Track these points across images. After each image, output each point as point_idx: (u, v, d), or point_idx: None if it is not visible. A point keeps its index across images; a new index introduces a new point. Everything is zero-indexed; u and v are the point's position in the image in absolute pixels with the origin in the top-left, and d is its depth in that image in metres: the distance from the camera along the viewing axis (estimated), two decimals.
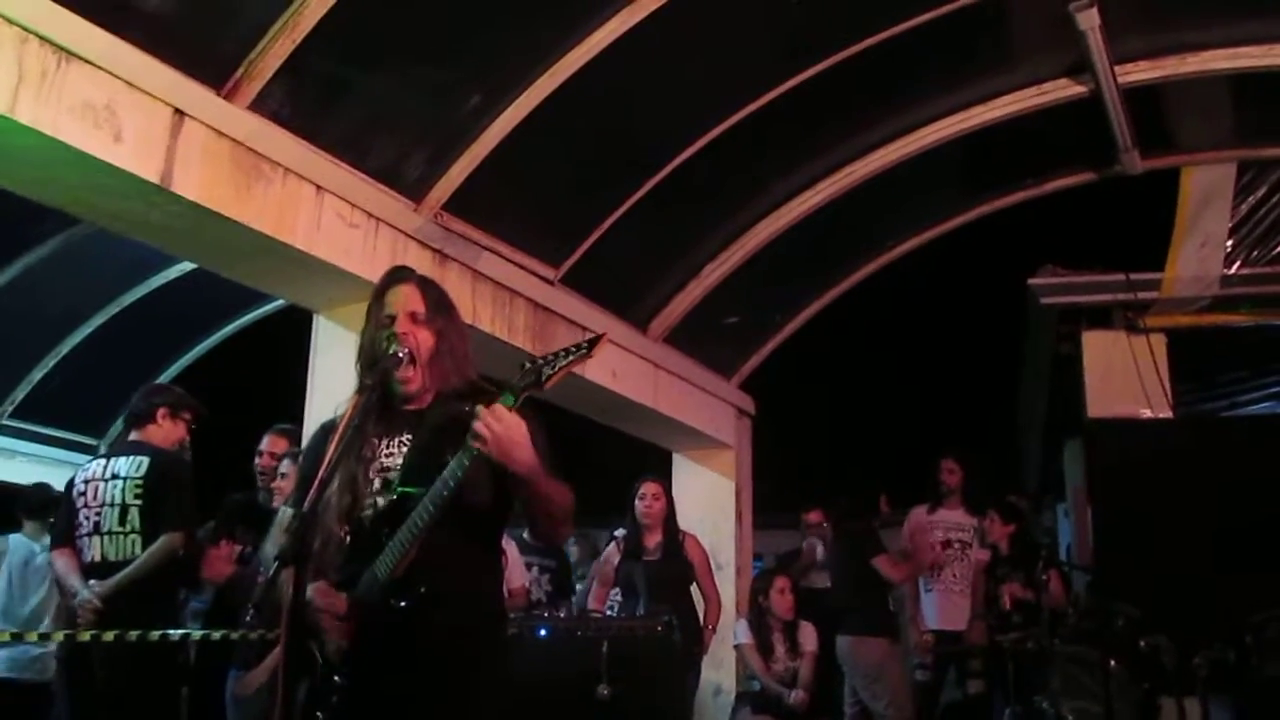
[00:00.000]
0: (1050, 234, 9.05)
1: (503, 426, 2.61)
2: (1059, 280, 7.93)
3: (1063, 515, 11.29)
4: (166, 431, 5.44)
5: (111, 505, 5.14)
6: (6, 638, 5.34)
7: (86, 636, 4.73)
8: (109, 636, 4.67)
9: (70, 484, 5.34)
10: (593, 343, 2.74)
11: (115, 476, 5.21)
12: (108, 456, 5.35)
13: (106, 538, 5.11)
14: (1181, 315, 7.74)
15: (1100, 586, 7.06)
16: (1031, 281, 7.98)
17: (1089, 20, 6.01)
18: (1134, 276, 7.72)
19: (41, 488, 7.20)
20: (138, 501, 5.14)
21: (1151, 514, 6.95)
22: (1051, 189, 8.03)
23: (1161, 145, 7.51)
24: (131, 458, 5.26)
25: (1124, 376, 7.68)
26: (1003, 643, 6.26)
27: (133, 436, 5.42)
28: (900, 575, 7.24)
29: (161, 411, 5.45)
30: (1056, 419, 9.74)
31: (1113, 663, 5.57)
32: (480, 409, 2.64)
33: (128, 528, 5.12)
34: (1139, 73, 6.69)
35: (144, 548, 5.09)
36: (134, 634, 4.72)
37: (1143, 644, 5.72)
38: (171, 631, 4.83)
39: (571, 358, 2.69)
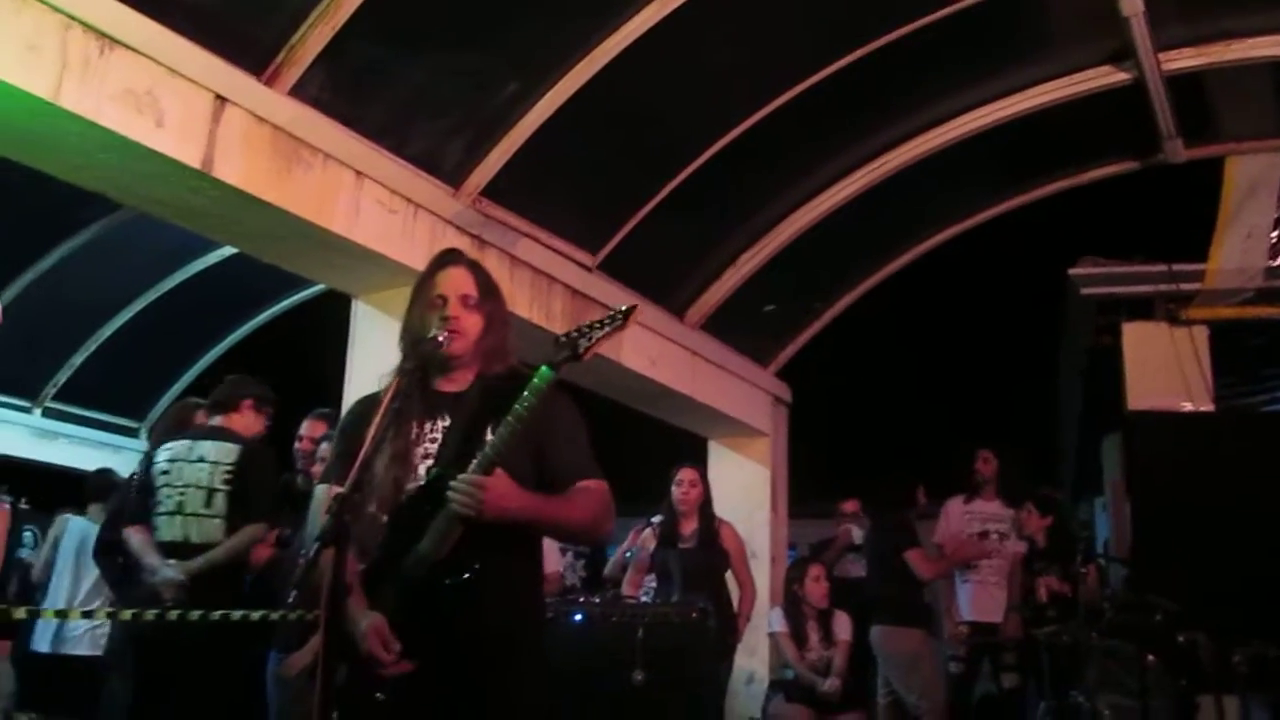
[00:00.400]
0: (1090, 224, 8.97)
1: (481, 492, 2.64)
2: (1099, 271, 7.85)
3: (1100, 509, 11.20)
4: (249, 422, 5.48)
5: (197, 488, 5.16)
6: (50, 615, 5.36)
7: (127, 615, 4.75)
8: (149, 616, 4.69)
9: (148, 462, 5.34)
10: (626, 313, 2.73)
11: (202, 460, 5.22)
12: (191, 438, 5.34)
13: (190, 519, 5.13)
14: (1224, 307, 7.63)
15: (1138, 580, 7.00)
16: (1071, 272, 7.91)
17: (1132, 7, 5.95)
18: (1176, 267, 7.62)
19: (105, 473, 7.30)
20: (226, 487, 5.17)
21: (1191, 508, 6.87)
22: (1092, 178, 7.95)
23: (1205, 134, 7.42)
24: (219, 443, 5.28)
25: (1164, 369, 7.59)
26: (1038, 636, 6.22)
27: (216, 422, 5.44)
28: (930, 572, 7.21)
29: (248, 402, 5.49)
30: (1095, 411, 9.66)
31: (1150, 658, 5.53)
32: (452, 484, 2.66)
33: (212, 511, 5.15)
34: (1182, 60, 6.61)
35: (226, 533, 5.12)
36: (176, 614, 4.74)
37: (1181, 639, 5.67)
38: (214, 612, 4.82)
39: (607, 328, 2.70)
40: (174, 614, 4.73)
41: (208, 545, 5.10)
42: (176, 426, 5.91)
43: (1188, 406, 7.50)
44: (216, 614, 4.77)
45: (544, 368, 2.69)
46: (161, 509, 5.16)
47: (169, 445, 5.34)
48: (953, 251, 8.61)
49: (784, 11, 5.94)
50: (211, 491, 5.16)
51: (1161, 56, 6.43)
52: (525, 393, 2.67)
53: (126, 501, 5.61)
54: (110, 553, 5.82)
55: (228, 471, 5.19)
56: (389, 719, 2.74)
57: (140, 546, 5.13)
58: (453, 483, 2.67)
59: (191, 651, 4.88)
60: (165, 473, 5.21)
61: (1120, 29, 6.16)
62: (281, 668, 5.19)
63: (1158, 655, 5.58)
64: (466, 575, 2.72)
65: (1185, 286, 7.61)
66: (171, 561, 5.01)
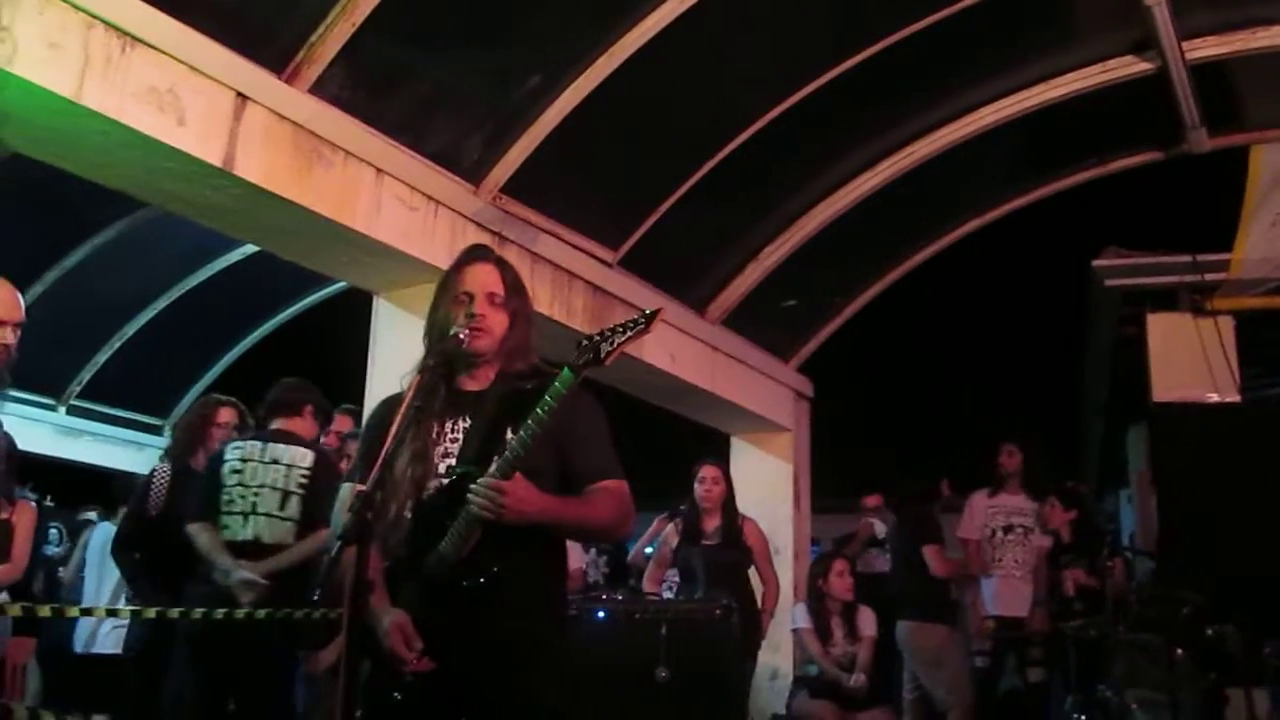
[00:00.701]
0: (1114, 214, 8.91)
1: (501, 496, 2.65)
2: (1123, 262, 7.80)
3: (1125, 501, 11.15)
4: (308, 428, 5.48)
5: (273, 489, 5.13)
6: (74, 613, 5.37)
7: (151, 613, 4.75)
8: (174, 613, 4.70)
9: (219, 459, 5.29)
10: (650, 317, 2.72)
11: (276, 462, 5.19)
12: (261, 440, 5.30)
13: (264, 519, 5.10)
14: (1249, 297, 7.56)
15: (1165, 573, 6.96)
16: (1095, 263, 7.85)
17: None
18: (1200, 258, 7.57)
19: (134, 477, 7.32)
20: (301, 491, 5.15)
21: (1218, 500, 6.82)
22: (1116, 168, 7.89)
23: (1230, 123, 7.35)
24: (292, 447, 5.26)
25: (1190, 360, 7.53)
26: (1065, 630, 6.19)
27: (278, 425, 5.40)
28: (944, 570, 7.21)
29: (309, 408, 5.48)
30: (1120, 403, 9.61)
31: (1178, 651, 5.49)
32: (472, 488, 2.67)
33: (286, 514, 5.12)
34: (1207, 48, 6.55)
35: (297, 537, 5.11)
36: (206, 612, 4.75)
37: (1209, 632, 5.62)
38: (240, 609, 4.82)
39: (630, 333, 2.69)
40: (221, 613, 4.74)
41: (278, 548, 5.07)
42: (200, 424, 5.92)
43: (1213, 398, 7.44)
44: (255, 613, 4.76)
45: (565, 371, 2.68)
46: (234, 508, 5.12)
47: (238, 444, 5.30)
48: (976, 243, 8.57)
49: (806, 4, 5.91)
50: (286, 494, 5.14)
51: (1185, 45, 6.37)
52: (546, 396, 2.67)
53: (181, 497, 5.57)
54: (129, 548, 5.83)
55: (304, 476, 5.18)
56: (411, 718, 2.75)
57: (209, 544, 5.07)
58: (473, 485, 2.67)
59: (256, 650, 4.89)
60: (238, 471, 5.17)
61: (1143, 18, 6.11)
62: (308, 665, 5.21)
63: (1186, 649, 5.53)
64: (485, 577, 2.72)
65: (1210, 277, 7.55)
66: (243, 563, 4.97)
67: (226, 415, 5.88)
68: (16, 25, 3.52)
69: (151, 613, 4.70)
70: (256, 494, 5.13)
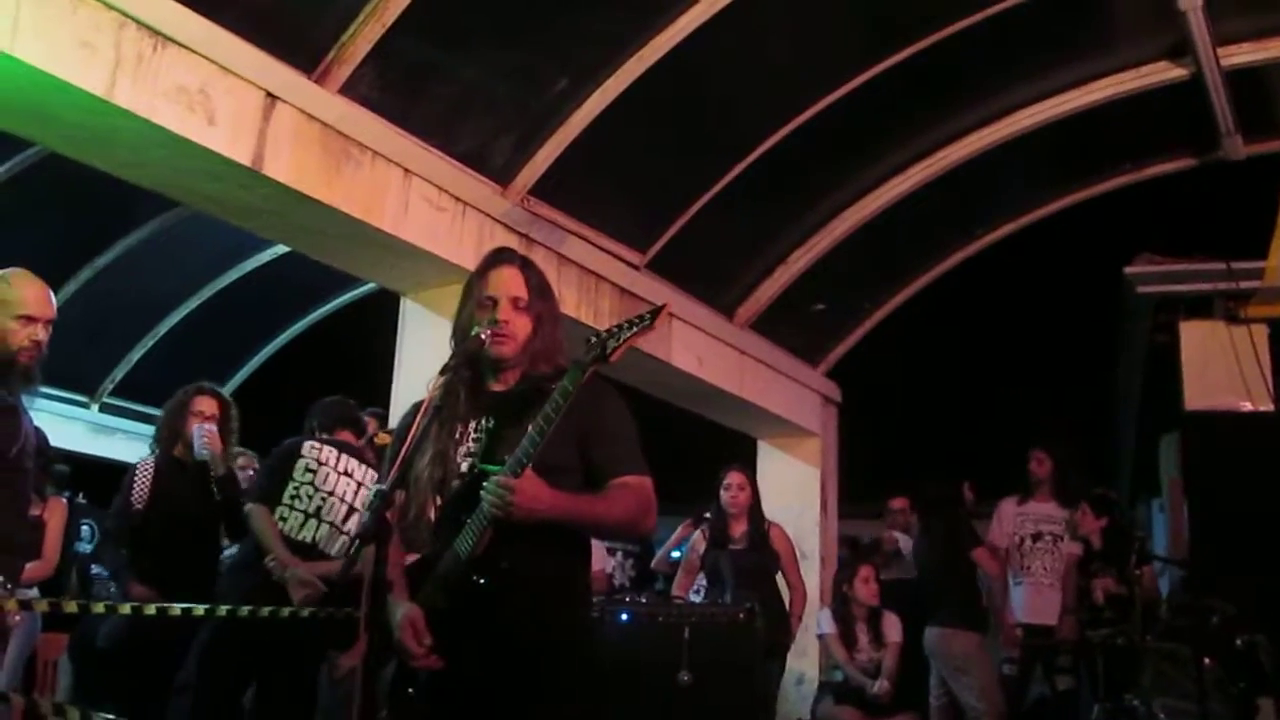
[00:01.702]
0: (1147, 221, 8.83)
1: (510, 494, 2.63)
2: (1156, 268, 7.71)
3: (1157, 509, 11.04)
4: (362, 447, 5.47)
5: (341, 500, 5.13)
6: (100, 608, 5.36)
7: (153, 610, 4.70)
8: (176, 611, 4.66)
9: (294, 450, 5.22)
10: (654, 313, 2.74)
11: (349, 475, 5.20)
12: (337, 449, 5.28)
13: (325, 526, 5.08)
14: None
15: (1195, 582, 6.88)
16: (1127, 270, 7.77)
17: (1190, 1, 5.85)
18: (1235, 265, 7.46)
19: None
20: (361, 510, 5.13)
21: (1250, 509, 6.75)
22: (1150, 174, 7.84)
23: (1265, 129, 7.28)
24: (365, 466, 5.27)
25: (1223, 368, 7.44)
26: (1093, 638, 6.13)
27: (346, 438, 5.40)
28: (998, 569, 7.16)
29: (372, 425, 5.53)
30: (1152, 411, 9.51)
31: (1207, 660, 5.43)
32: (484, 485, 2.67)
33: (347, 528, 5.10)
34: (1242, 55, 6.50)
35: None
36: (218, 610, 4.75)
37: (1239, 642, 5.56)
38: (264, 609, 4.79)
39: (635, 329, 2.70)
40: (245, 611, 4.69)
41: (330, 559, 5.04)
42: (178, 412, 5.66)
43: (1247, 406, 7.35)
44: (238, 609, 4.74)
45: (572, 368, 2.69)
46: (299, 505, 5.07)
47: (315, 445, 5.26)
48: (1008, 249, 8.52)
49: (839, 6, 5.91)
50: (351, 509, 5.13)
51: (1220, 51, 6.32)
52: (555, 394, 2.67)
53: (165, 489, 5.48)
54: (116, 544, 5.81)
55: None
56: (433, 717, 2.75)
57: (266, 530, 5.00)
58: (485, 483, 2.67)
59: (285, 647, 4.89)
60: (310, 470, 5.14)
61: (1178, 24, 6.07)
62: (331, 668, 5.21)
63: (1215, 658, 5.48)
64: (494, 575, 2.72)
65: (1244, 284, 7.44)
66: (301, 565, 4.92)
67: (203, 404, 5.64)
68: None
69: (178, 609, 4.68)
70: (324, 499, 5.11)
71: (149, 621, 4.78)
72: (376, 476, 5.18)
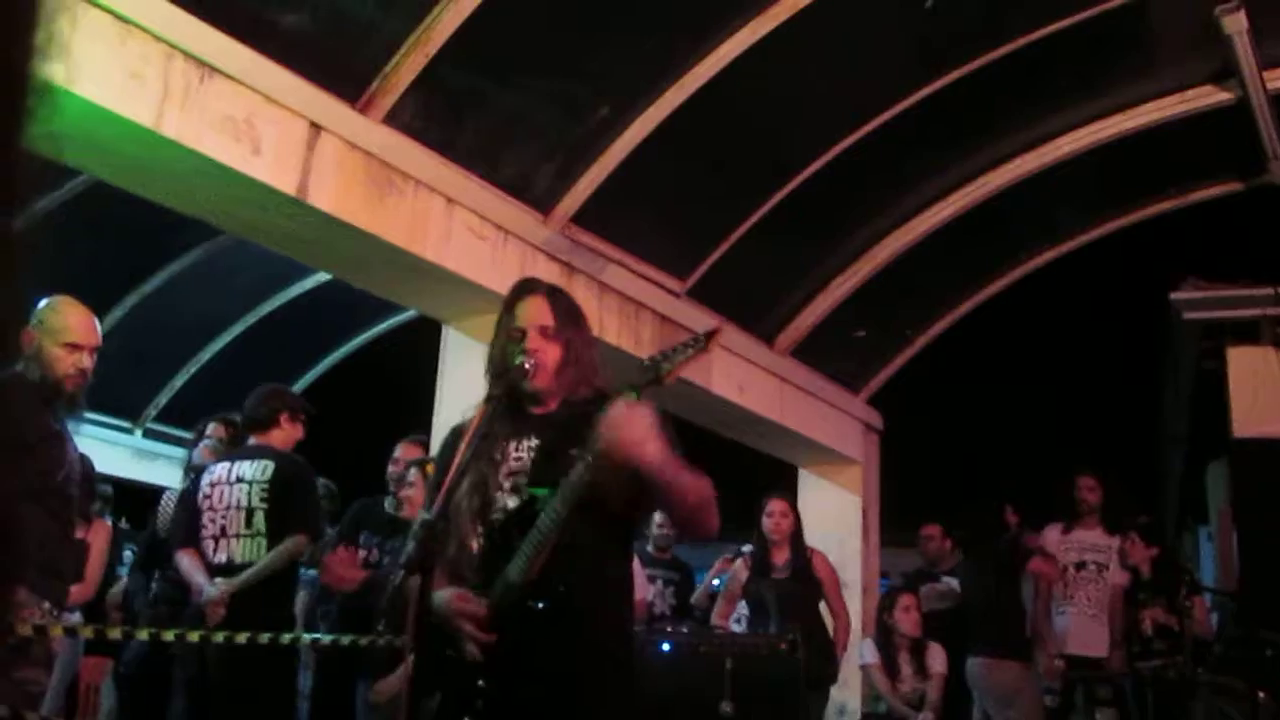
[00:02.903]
0: (1194, 245, 8.76)
1: (628, 418, 2.60)
2: (1203, 294, 7.64)
3: (1206, 539, 10.90)
4: (287, 434, 5.46)
5: (238, 509, 5.16)
6: (143, 635, 5.41)
7: (195, 637, 4.78)
8: (219, 637, 4.71)
9: (194, 486, 5.38)
10: (708, 336, 2.71)
11: (240, 480, 5.23)
12: (231, 460, 5.36)
13: (234, 540, 5.13)
14: None
15: (1247, 614, 6.77)
16: (1174, 295, 7.70)
17: (1236, 24, 5.80)
18: None
19: None
20: (263, 505, 5.16)
21: None
22: (1196, 199, 7.77)
23: None
24: (255, 461, 5.28)
25: (1272, 394, 7.35)
26: (1142, 670, 6.03)
27: (253, 440, 5.43)
28: (1053, 570, 7.10)
29: (284, 416, 5.47)
30: (1200, 438, 9.40)
31: (1261, 695, 5.34)
32: (606, 406, 2.64)
33: (253, 530, 5.14)
34: None
35: (268, 549, 5.12)
36: (241, 636, 4.77)
37: None
38: (285, 634, 4.83)
39: (690, 351, 2.67)
40: (219, 636, 4.75)
41: (252, 564, 5.10)
42: (194, 441, 6.02)
43: None
44: (307, 637, 4.78)
45: (628, 391, 2.67)
46: (207, 532, 5.18)
47: (212, 468, 5.37)
48: (1053, 273, 8.46)
49: (879, 33, 5.89)
50: (251, 511, 5.16)
51: (1267, 75, 6.27)
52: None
53: (174, 525, 5.69)
54: (146, 569, 5.95)
55: (263, 489, 5.18)
56: None
57: (189, 568, 5.15)
58: (609, 406, 2.64)
59: (233, 671, 4.89)
60: (207, 497, 5.23)
61: (1223, 47, 6.01)
62: (372, 693, 5.21)
63: (1270, 692, 5.38)
64: (551, 598, 2.70)
65: None
66: (217, 580, 5.02)
67: (211, 430, 5.98)
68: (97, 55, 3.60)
69: (219, 636, 4.71)
70: (224, 517, 5.16)
71: (166, 647, 4.96)
72: (272, 466, 5.24)
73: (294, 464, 5.40)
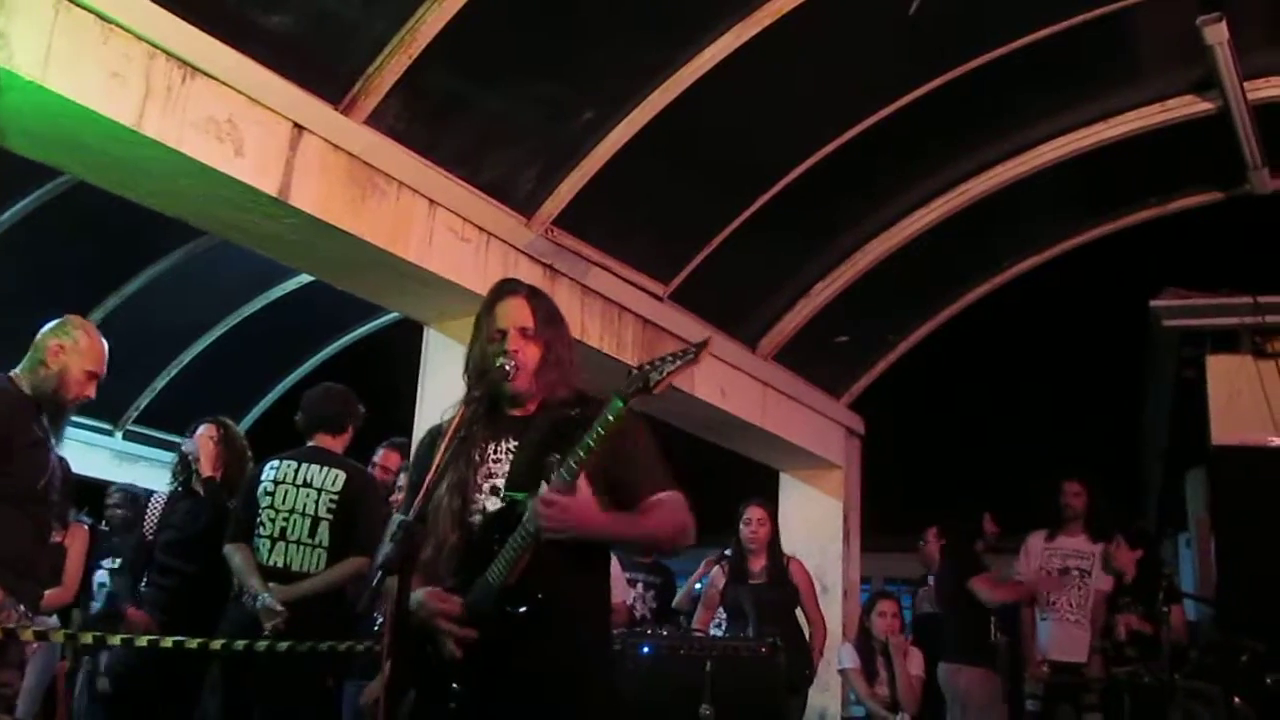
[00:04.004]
0: (1174, 254, 8.80)
1: (558, 509, 2.63)
2: (1183, 302, 7.68)
3: (1184, 546, 10.95)
4: (345, 443, 5.38)
5: (303, 515, 5.04)
6: (117, 641, 5.37)
7: (194, 644, 4.71)
8: (217, 645, 4.66)
9: (253, 480, 5.22)
10: (699, 347, 2.71)
11: (308, 485, 5.10)
12: (297, 460, 5.20)
13: (293, 546, 5.01)
14: None
15: (1224, 620, 6.81)
16: (1154, 303, 7.74)
17: (1217, 35, 5.84)
18: (1262, 299, 7.42)
19: None
20: (329, 516, 5.05)
21: (1279, 545, 6.68)
22: (1176, 208, 7.81)
23: None
24: (326, 469, 5.15)
25: (1250, 402, 7.39)
26: (1119, 675, 6.06)
27: (319, 443, 5.29)
28: (999, 595, 7.09)
29: (352, 426, 5.38)
30: (1179, 446, 9.45)
31: (1236, 700, 5.37)
32: (530, 502, 2.66)
33: (316, 540, 5.02)
34: (1270, 88, 6.49)
35: (328, 563, 5.01)
36: (243, 644, 4.74)
37: (1269, 680, 5.50)
38: (295, 642, 4.70)
39: (679, 362, 2.68)
40: (241, 644, 4.65)
41: (307, 574, 4.99)
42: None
43: (1275, 441, 7.29)
44: (283, 645, 4.69)
45: (616, 400, 2.67)
46: (263, 531, 5.03)
47: (274, 464, 5.20)
48: (1033, 281, 8.49)
49: (863, 38, 5.90)
50: (316, 520, 5.04)
51: (1247, 85, 6.30)
52: (596, 425, 2.65)
53: (184, 515, 5.64)
54: (135, 573, 5.92)
55: (332, 500, 5.07)
56: None
57: (243, 567, 4.99)
58: (535, 498, 2.66)
59: (280, 677, 4.80)
60: (269, 494, 5.08)
61: (1205, 57, 6.05)
62: (362, 695, 5.18)
63: (1245, 697, 5.41)
64: (530, 604, 2.70)
65: (1271, 318, 7.41)
66: (272, 586, 4.89)
67: (202, 431, 5.89)
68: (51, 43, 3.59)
69: (194, 643, 4.67)
70: (286, 519, 5.05)
71: (149, 653, 4.83)
72: (344, 478, 5.16)
73: (365, 479, 5.32)
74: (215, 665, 5.07)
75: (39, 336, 4.24)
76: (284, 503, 5.07)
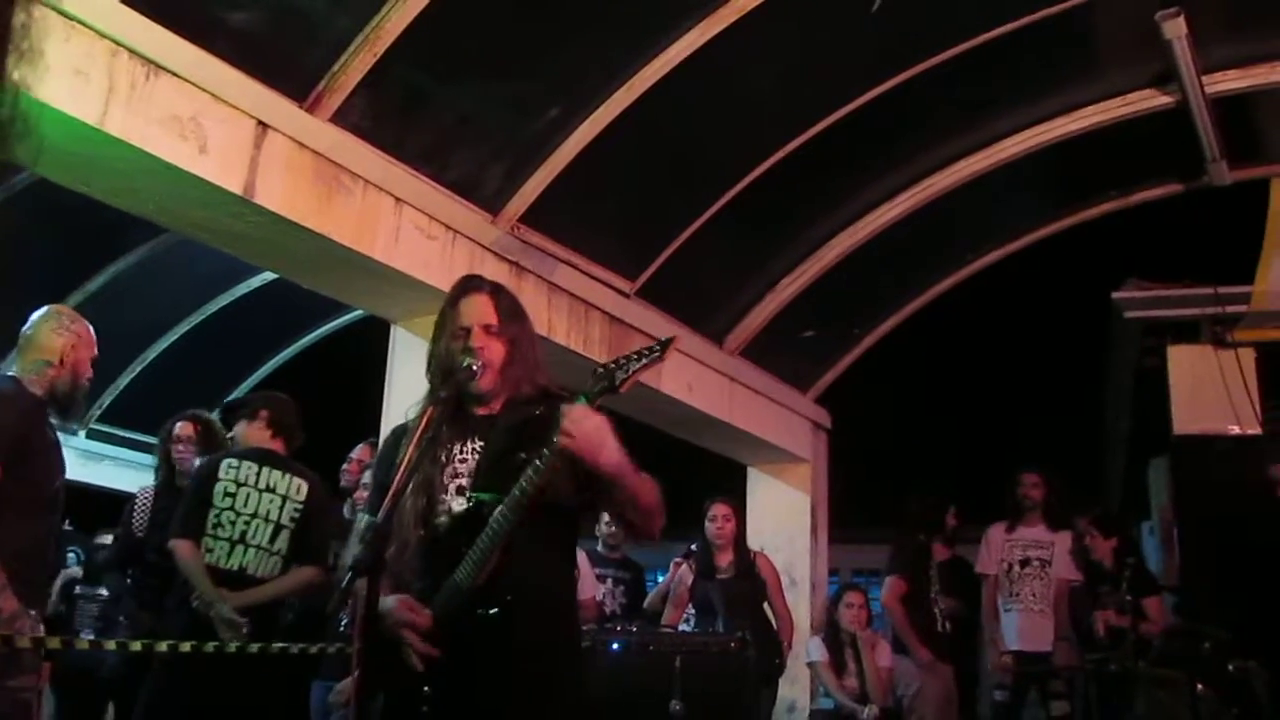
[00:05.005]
0: (1135, 246, 8.89)
1: (589, 425, 2.62)
2: (1144, 294, 7.76)
3: (1147, 533, 11.06)
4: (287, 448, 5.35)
5: (265, 520, 5.01)
6: (83, 644, 5.34)
7: (163, 647, 4.68)
8: (186, 647, 4.60)
9: (209, 477, 5.09)
10: (665, 345, 2.72)
11: (271, 490, 5.07)
12: (257, 463, 5.13)
13: (252, 550, 4.96)
14: (1271, 329, 7.51)
15: (1187, 608, 6.88)
16: (1116, 295, 7.81)
17: (1176, 29, 5.89)
18: (1222, 290, 7.51)
19: None
20: (290, 524, 5.04)
21: (1240, 533, 6.77)
22: (1137, 201, 7.87)
23: (1250, 156, 7.33)
24: (289, 477, 5.14)
25: (1211, 392, 7.48)
26: (1085, 664, 6.12)
27: (276, 448, 5.26)
28: (887, 603, 7.29)
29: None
30: (1141, 436, 9.54)
31: (1200, 686, 5.44)
32: (564, 408, 2.65)
33: (275, 548, 5.01)
34: (1227, 82, 6.55)
35: (283, 571, 5.01)
36: (213, 646, 4.71)
37: (1232, 668, 5.56)
38: (258, 644, 4.68)
39: (645, 360, 2.69)
40: (211, 646, 4.61)
41: (263, 579, 4.97)
42: (165, 441, 5.92)
43: (1235, 430, 7.39)
44: (255, 647, 4.65)
45: (581, 399, 2.67)
46: (222, 533, 4.96)
47: (233, 463, 5.12)
48: (997, 273, 8.56)
49: (826, 36, 5.92)
50: (279, 528, 5.03)
51: (1206, 79, 6.36)
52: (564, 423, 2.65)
53: (171, 512, 5.58)
54: (120, 569, 5.88)
55: (297, 509, 5.07)
56: None
57: (193, 566, 4.88)
58: (564, 407, 2.65)
59: (240, 681, 4.75)
60: (230, 495, 5.01)
61: (1164, 52, 6.10)
62: (332, 695, 5.17)
63: (1208, 684, 5.48)
64: (500, 606, 2.71)
65: (1231, 309, 7.49)
66: (224, 593, 4.83)
67: (180, 429, 5.87)
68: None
69: (164, 646, 4.63)
70: (248, 524, 5.00)
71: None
72: (307, 488, 5.16)
73: (323, 491, 5.31)
74: (159, 670, 4.94)
75: (37, 335, 4.14)
76: (246, 506, 5.03)
